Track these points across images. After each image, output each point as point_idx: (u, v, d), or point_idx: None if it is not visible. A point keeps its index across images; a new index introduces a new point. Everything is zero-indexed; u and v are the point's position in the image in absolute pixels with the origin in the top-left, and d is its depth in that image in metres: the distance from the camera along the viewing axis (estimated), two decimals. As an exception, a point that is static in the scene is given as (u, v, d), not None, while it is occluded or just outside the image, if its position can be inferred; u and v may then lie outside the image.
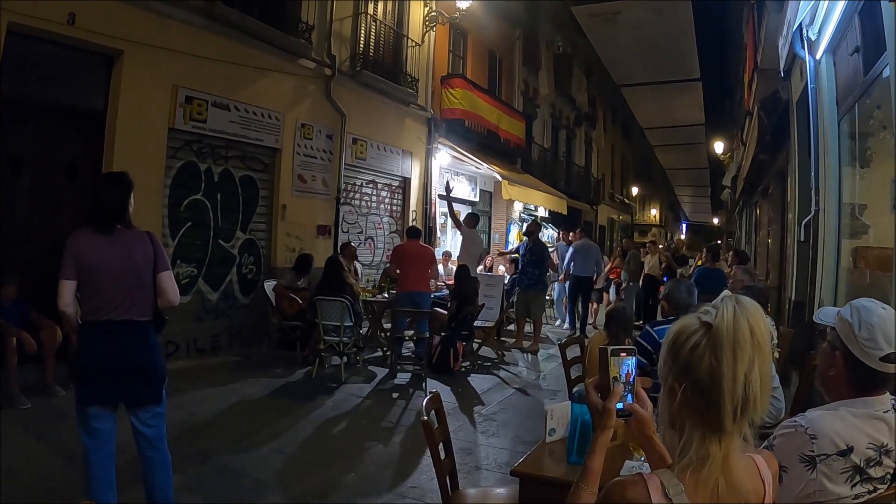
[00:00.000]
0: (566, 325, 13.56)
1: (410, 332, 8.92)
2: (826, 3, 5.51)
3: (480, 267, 12.25)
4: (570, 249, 13.09)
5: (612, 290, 15.78)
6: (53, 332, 6.34)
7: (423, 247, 9.49)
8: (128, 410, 3.71)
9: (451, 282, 10.64)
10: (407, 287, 9.06)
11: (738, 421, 1.33)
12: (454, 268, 11.36)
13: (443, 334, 8.81)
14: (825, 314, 2.17)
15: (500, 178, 15.22)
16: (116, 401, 3.68)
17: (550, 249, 13.90)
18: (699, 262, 14.55)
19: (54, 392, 6.32)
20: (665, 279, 13.68)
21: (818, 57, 6.40)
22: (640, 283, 14.80)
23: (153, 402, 3.75)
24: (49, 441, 5.15)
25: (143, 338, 3.70)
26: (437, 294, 10.44)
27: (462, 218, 11.97)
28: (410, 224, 13.00)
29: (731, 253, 13.87)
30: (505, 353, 10.24)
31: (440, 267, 13.14)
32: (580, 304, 13.60)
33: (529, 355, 10.43)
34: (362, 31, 11.89)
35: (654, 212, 47.11)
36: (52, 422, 5.60)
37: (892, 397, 2.02)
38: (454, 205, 11.85)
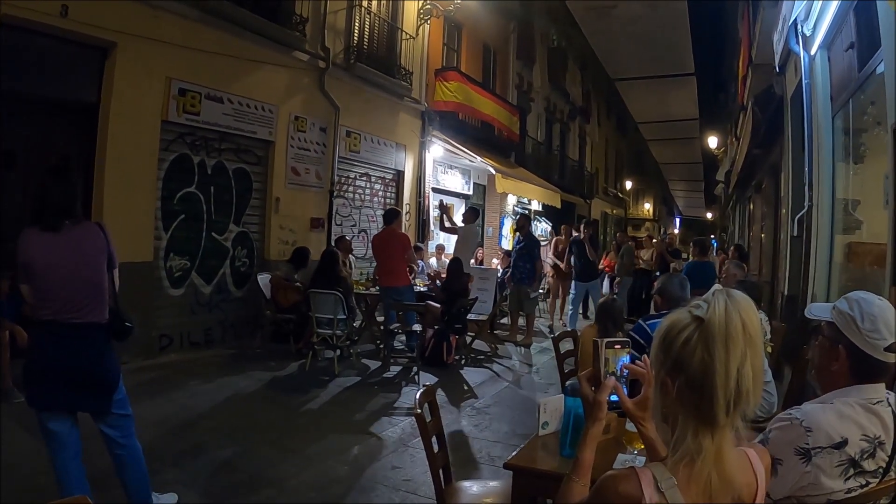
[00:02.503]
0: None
1: (397, 325, 8.91)
2: (821, -2, 5.53)
3: (473, 260, 12.23)
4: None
5: (606, 283, 15.82)
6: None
7: (395, 234, 9.10)
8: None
9: (444, 274, 10.60)
10: (382, 282, 9.04)
11: (731, 415, 1.34)
12: (447, 261, 11.34)
13: (436, 327, 8.81)
14: (817, 310, 2.17)
15: (493, 172, 15.21)
16: (63, 408, 3.54)
17: (543, 243, 13.89)
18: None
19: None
20: (658, 273, 13.68)
21: (813, 52, 6.41)
22: (633, 276, 14.80)
23: (102, 413, 3.62)
24: (40, 435, 5.13)
25: (93, 342, 3.53)
26: (423, 288, 10.43)
27: (462, 212, 11.89)
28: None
29: (732, 248, 13.94)
30: (498, 346, 10.25)
31: (433, 260, 13.15)
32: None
33: (522, 349, 10.44)
34: (356, 24, 11.86)
35: (648, 206, 47.12)
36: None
37: (889, 392, 2.03)
38: (448, 211, 11.81)
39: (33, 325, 3.50)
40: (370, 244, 10.00)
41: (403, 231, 10.29)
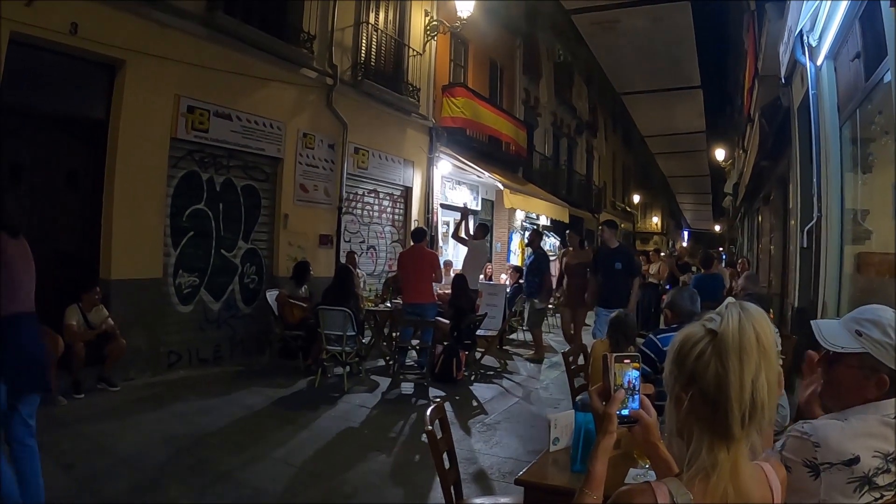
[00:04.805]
0: None
1: (416, 342, 8.84)
2: (827, 9, 5.52)
3: (482, 276, 12.19)
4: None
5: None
6: (55, 342, 6.33)
7: (425, 252, 9.17)
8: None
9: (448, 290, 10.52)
10: (407, 298, 8.97)
11: (747, 428, 1.33)
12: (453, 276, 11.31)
13: (445, 343, 8.78)
14: (838, 338, 2.07)
15: (501, 187, 15.22)
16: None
17: (553, 258, 13.82)
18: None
19: (56, 401, 6.32)
20: (668, 287, 13.66)
21: (819, 63, 6.40)
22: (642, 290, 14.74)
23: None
24: (49, 450, 5.13)
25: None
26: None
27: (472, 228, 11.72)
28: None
29: (741, 261, 13.94)
30: (507, 362, 10.20)
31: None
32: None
33: (530, 363, 10.35)
34: (363, 41, 11.93)
35: (656, 219, 47.11)
36: (52, 430, 5.58)
37: None
38: (467, 218, 11.65)
39: (12, 317, 3.70)
40: (383, 260, 9.97)
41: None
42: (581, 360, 5.89)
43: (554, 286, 11.46)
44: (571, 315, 10.30)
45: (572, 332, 10.38)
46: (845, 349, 2.00)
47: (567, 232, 12.12)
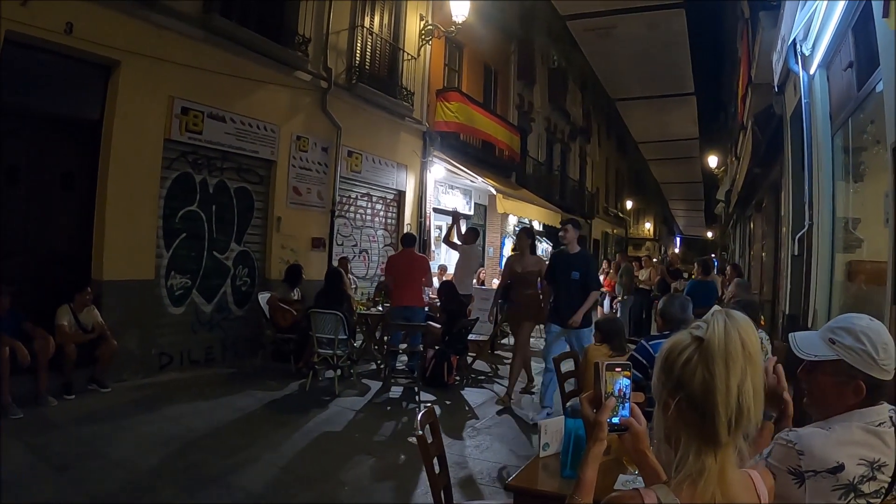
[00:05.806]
0: None
1: (404, 346, 8.84)
2: (820, 18, 5.56)
3: (475, 280, 12.18)
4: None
5: (606, 302, 15.81)
6: (47, 343, 6.33)
7: (416, 256, 9.17)
8: None
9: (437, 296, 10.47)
10: (398, 301, 8.87)
11: (733, 433, 1.35)
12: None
13: (437, 348, 8.77)
14: (813, 347, 2.10)
15: (494, 192, 15.22)
16: None
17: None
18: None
19: (46, 402, 6.31)
20: (659, 293, 13.71)
21: (812, 72, 6.44)
22: (633, 295, 14.80)
23: None
24: (40, 451, 5.12)
25: None
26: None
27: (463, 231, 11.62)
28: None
29: (729, 268, 13.96)
30: (499, 366, 10.20)
31: (434, 280, 13.11)
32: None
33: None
34: (358, 44, 11.92)
35: (648, 225, 47.18)
36: (44, 432, 5.58)
37: (891, 407, 2.01)
38: (458, 223, 11.57)
39: None
40: (385, 264, 9.92)
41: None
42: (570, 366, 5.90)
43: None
44: (516, 330, 8.63)
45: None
46: (819, 357, 2.05)
47: (518, 232, 9.92)
